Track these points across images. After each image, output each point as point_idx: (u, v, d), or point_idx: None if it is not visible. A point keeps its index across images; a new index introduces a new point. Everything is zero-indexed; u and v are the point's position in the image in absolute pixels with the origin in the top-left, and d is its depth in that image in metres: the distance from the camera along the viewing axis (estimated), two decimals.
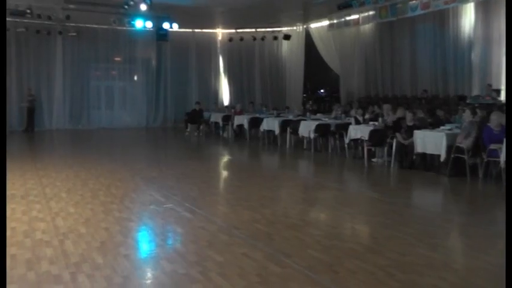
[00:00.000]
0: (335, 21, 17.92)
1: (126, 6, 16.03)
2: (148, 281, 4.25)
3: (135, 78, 21.54)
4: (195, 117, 17.73)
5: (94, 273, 4.23)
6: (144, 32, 19.42)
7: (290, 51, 21.88)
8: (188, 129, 17.79)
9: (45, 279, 4.14)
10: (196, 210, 6.46)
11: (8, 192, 7.29)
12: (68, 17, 17.54)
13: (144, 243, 5.43)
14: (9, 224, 5.75)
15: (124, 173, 9.48)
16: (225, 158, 13.35)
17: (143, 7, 15.38)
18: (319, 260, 4.57)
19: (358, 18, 16.78)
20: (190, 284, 4.04)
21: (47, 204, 6.83)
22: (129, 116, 20.83)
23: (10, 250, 4.82)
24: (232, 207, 6.94)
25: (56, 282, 4.07)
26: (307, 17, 19.68)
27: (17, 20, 17.09)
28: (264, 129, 14.76)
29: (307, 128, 12.82)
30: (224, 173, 10.93)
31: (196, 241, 5.16)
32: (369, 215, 6.61)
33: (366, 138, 10.58)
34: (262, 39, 21.52)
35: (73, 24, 18.57)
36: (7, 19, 17.02)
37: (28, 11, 16.09)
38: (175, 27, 19.21)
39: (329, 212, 6.93)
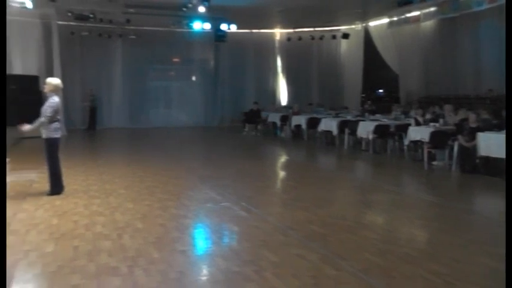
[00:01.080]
0: (395, 18, 17.43)
1: (184, 9, 16.33)
2: (204, 278, 4.28)
3: (193, 78, 21.93)
4: (253, 117, 17.82)
5: (150, 267, 4.31)
6: (202, 33, 19.71)
7: (348, 50, 21.55)
8: (246, 129, 17.91)
9: (104, 271, 4.27)
10: (252, 209, 6.47)
11: (71, 187, 7.62)
12: (128, 21, 18.11)
13: (200, 240, 5.50)
14: (72, 217, 6.02)
15: (181, 171, 9.65)
16: (282, 158, 13.33)
17: (201, 9, 15.60)
18: (374, 264, 4.45)
19: (419, 15, 16.24)
20: (244, 282, 4.03)
21: (107, 199, 7.06)
22: (187, 116, 21.23)
23: (73, 242, 5.05)
24: (287, 207, 6.89)
25: (114, 274, 4.19)
26: (366, 15, 19.27)
27: (81, 24, 17.97)
28: (321, 130, 14.61)
29: (365, 129, 12.57)
30: (280, 173, 10.90)
31: (251, 240, 5.17)
32: (426, 220, 6.36)
33: (426, 140, 10.21)
34: (321, 38, 21.31)
35: (133, 27, 19.17)
36: (72, 23, 17.94)
37: (91, 15, 16.78)
38: (233, 28, 19.37)
39: (386, 215, 6.75)
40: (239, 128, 18.76)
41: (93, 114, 18.95)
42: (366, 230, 5.71)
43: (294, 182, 9.10)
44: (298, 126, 15.95)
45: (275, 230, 5.58)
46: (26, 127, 7.08)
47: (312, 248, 4.88)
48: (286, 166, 12.05)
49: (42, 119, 7.01)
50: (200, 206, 6.94)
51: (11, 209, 6.50)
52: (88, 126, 18.82)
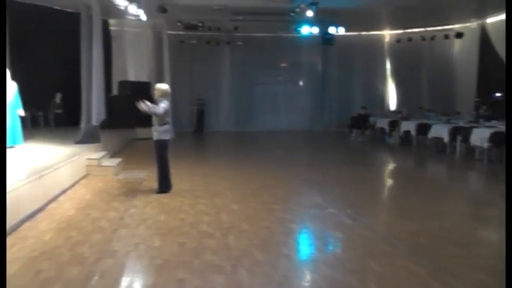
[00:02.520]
0: None
1: (292, 14, 16.35)
2: (307, 284, 4.22)
3: (300, 83, 21.91)
4: (360, 121, 17.38)
5: (254, 269, 4.35)
6: (309, 37, 19.66)
7: (462, 50, 20.15)
8: (353, 134, 17.53)
9: (208, 268, 4.38)
10: (358, 217, 6.28)
11: (178, 187, 7.94)
12: (236, 28, 18.57)
13: (305, 246, 5.45)
14: (178, 215, 6.28)
15: (286, 175, 9.62)
16: (390, 165, 12.81)
17: (309, 13, 15.51)
18: (488, 286, 4.11)
19: None
20: None
21: (212, 199, 7.23)
22: (293, 120, 21.25)
23: (179, 238, 5.26)
24: (394, 216, 6.63)
25: (218, 272, 4.27)
26: (482, 11, 17.85)
27: (190, 32, 18.86)
28: (432, 136, 13.90)
29: (480, 136, 11.66)
30: (387, 181, 10.48)
31: (356, 249, 5.02)
32: None
33: None
34: (432, 38, 20.18)
35: (240, 34, 19.65)
36: (181, 32, 18.81)
37: (200, 24, 17.49)
38: (341, 31, 19.06)
39: (501, 232, 6.08)
40: (346, 133, 18.40)
41: (200, 117, 19.72)
42: (480, 246, 5.31)
43: (402, 191, 8.73)
44: (407, 132, 15.28)
45: (381, 239, 5.38)
46: (143, 106, 7.31)
47: (420, 262, 4.61)
48: (394, 174, 11.54)
49: (156, 110, 7.31)
50: (305, 211, 6.88)
51: (123, 204, 6.92)
52: (196, 129, 19.56)
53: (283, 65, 21.79)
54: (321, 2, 14.86)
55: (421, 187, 8.95)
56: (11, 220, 5.59)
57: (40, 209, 6.53)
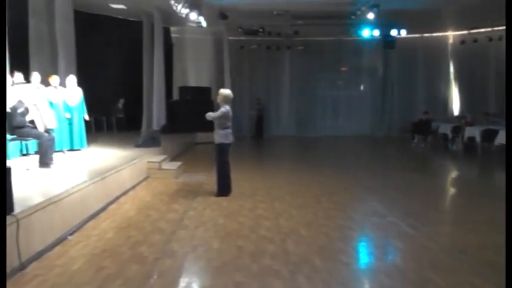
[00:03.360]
0: None
1: (353, 17, 16.14)
2: None
3: (361, 87, 21.58)
4: (422, 127, 16.84)
5: (312, 275, 4.29)
6: (370, 40, 19.34)
7: None
8: (414, 140, 17.04)
9: (267, 273, 4.38)
10: (420, 226, 6.07)
11: (237, 191, 8.02)
12: (296, 32, 18.53)
13: (364, 254, 5.32)
14: (237, 219, 6.33)
15: (346, 181, 9.48)
16: (453, 173, 12.31)
17: (370, 15, 15.24)
18: None
19: None
20: None
21: (271, 204, 7.23)
22: (354, 125, 20.94)
23: (237, 241, 5.30)
24: (458, 227, 6.36)
25: (276, 277, 4.26)
26: None
27: (251, 38, 19.05)
28: (498, 143, 13.30)
29: None
30: (450, 190, 10.07)
31: (418, 260, 4.84)
32: None
33: None
34: (500, 39, 19.22)
35: (300, 39, 19.62)
36: (242, 38, 19.03)
37: (260, 30, 17.61)
38: (403, 33, 18.59)
39: None
40: (407, 138, 17.87)
41: (259, 122, 19.79)
42: None
43: (466, 201, 8.32)
44: (472, 139, 14.64)
45: (444, 251, 5.15)
46: (209, 114, 7.66)
47: (487, 277, 4.38)
48: (457, 182, 11.08)
49: (214, 115, 7.56)
50: (365, 218, 6.75)
51: (183, 206, 7.07)
52: (255, 134, 19.66)
53: (343, 69, 21.55)
54: (382, 4, 14.57)
55: (487, 197, 8.48)
56: (75, 219, 5.86)
57: (102, 209, 6.80)
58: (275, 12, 16.09)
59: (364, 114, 21.07)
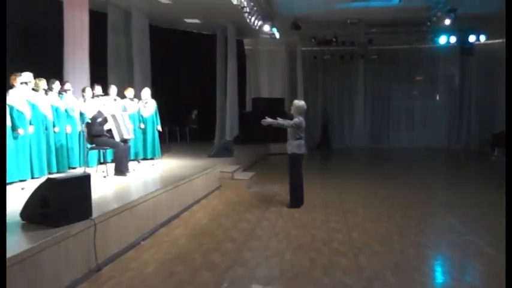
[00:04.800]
0: None
1: (428, 23, 15.65)
2: None
3: (437, 97, 20.81)
4: (503, 139, 15.96)
5: None
6: (446, 48, 18.59)
7: None
8: (495, 153, 16.18)
9: (338, 287, 4.34)
10: (500, 247, 5.66)
11: (310, 202, 8.01)
12: (370, 41, 18.23)
13: (440, 274, 5.12)
14: (310, 231, 6.32)
15: (421, 195, 9.19)
16: None
17: (447, 21, 14.68)
18: None
19: None
20: None
21: (344, 217, 7.16)
22: (429, 137, 20.18)
23: (310, 254, 5.30)
24: None
25: None
26: None
27: (324, 48, 18.94)
28: None
29: None
30: None
31: (498, 283, 4.53)
32: None
33: None
34: None
35: (375, 47, 19.23)
36: (315, 48, 19.02)
37: (334, 39, 17.48)
38: (482, 39, 17.73)
39: None
40: (487, 152, 16.99)
41: (325, 132, 19.89)
42: None
43: None
44: None
45: None
46: (268, 120, 7.66)
47: None
48: None
49: (285, 123, 7.61)
50: (441, 235, 6.50)
51: (255, 216, 7.17)
52: (318, 144, 19.59)
53: (418, 78, 20.90)
54: (460, 9, 14.01)
55: None
56: (149, 225, 6.14)
57: (175, 216, 7.06)
58: (348, 21, 15.93)
59: (440, 125, 20.20)
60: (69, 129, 8.66)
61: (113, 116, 8.56)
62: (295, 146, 7.62)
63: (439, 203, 8.54)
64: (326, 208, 7.76)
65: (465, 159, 17.51)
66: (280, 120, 7.72)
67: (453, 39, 17.54)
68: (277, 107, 17.67)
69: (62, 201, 4.42)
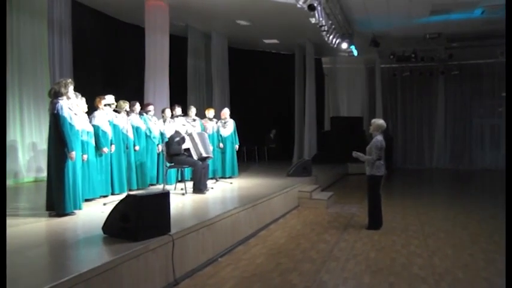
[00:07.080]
0: None
1: None
2: None
3: None
4: None
5: None
6: None
7: None
8: None
9: None
10: None
11: (389, 224, 7.85)
12: (450, 56, 17.54)
13: None
14: (389, 254, 6.17)
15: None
16: None
17: None
18: None
19: None
20: None
21: (425, 241, 6.91)
22: None
23: (389, 278, 5.16)
24: None
25: None
26: None
27: (403, 65, 18.48)
28: None
29: None
30: None
31: None
32: None
33: None
34: None
35: (455, 63, 18.50)
36: (394, 65, 18.62)
37: (413, 55, 16.98)
38: None
39: None
40: None
41: (388, 151, 19.20)
42: None
43: None
44: None
45: None
46: (358, 154, 7.54)
47: None
48: None
49: (369, 158, 7.42)
50: None
51: (334, 237, 7.08)
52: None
53: (503, 94, 19.70)
54: None
55: None
56: (226, 242, 6.24)
57: (253, 235, 7.13)
58: (428, 36, 15.47)
59: None
60: (149, 148, 9.13)
61: (190, 136, 8.86)
62: (375, 167, 7.45)
63: None
64: (405, 231, 7.54)
65: None
66: (365, 157, 7.50)
67: None
68: (355, 126, 17.41)
69: (142, 217, 4.62)
